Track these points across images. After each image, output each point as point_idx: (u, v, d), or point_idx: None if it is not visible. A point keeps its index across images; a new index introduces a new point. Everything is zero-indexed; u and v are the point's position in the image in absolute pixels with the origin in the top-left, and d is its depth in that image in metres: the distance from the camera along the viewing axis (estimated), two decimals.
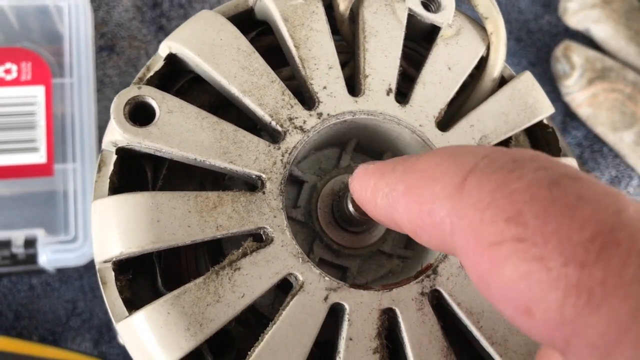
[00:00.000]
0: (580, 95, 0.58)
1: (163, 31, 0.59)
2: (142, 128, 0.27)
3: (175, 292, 0.26)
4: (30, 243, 0.48)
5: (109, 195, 0.28)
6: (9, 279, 0.52)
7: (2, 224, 0.49)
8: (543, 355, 0.19)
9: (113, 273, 0.27)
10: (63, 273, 0.53)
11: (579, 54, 0.58)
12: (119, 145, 0.28)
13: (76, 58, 0.52)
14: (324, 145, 0.33)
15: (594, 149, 0.61)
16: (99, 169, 0.29)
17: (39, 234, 0.48)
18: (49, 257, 0.48)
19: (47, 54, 0.52)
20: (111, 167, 0.28)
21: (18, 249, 0.48)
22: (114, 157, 0.28)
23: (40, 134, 0.50)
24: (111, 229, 0.27)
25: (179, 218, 0.27)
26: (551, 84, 0.61)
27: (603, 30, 0.59)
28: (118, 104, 0.27)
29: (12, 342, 0.48)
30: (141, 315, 0.26)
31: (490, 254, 0.16)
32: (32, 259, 0.48)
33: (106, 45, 0.59)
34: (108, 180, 0.28)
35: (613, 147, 0.60)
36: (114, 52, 0.58)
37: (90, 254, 0.49)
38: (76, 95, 0.51)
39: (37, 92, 0.51)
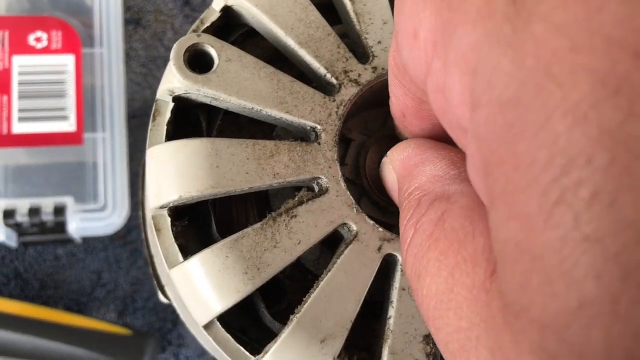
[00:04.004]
0: None
1: (189, 5, 0.59)
2: (202, 75, 0.27)
3: (233, 237, 0.26)
4: (59, 210, 0.48)
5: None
6: (34, 248, 0.52)
7: (31, 192, 0.49)
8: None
9: (169, 219, 0.27)
10: (88, 244, 0.53)
11: None
12: (176, 93, 0.28)
13: (106, 29, 0.52)
14: (369, 105, 0.33)
15: None
16: (154, 118, 0.29)
17: (68, 201, 0.48)
18: (78, 225, 0.48)
19: (77, 23, 0.52)
20: (168, 115, 0.28)
21: (47, 217, 0.48)
22: (171, 105, 0.28)
23: (70, 103, 0.50)
24: (169, 173, 0.27)
25: (238, 164, 0.27)
26: None
27: None
28: (178, 51, 0.27)
29: (39, 310, 0.48)
30: (198, 259, 0.26)
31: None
32: (60, 227, 0.48)
33: (132, 18, 0.59)
34: (165, 128, 0.28)
35: None
36: (140, 25, 0.59)
37: (118, 224, 0.49)
38: (106, 65, 0.51)
39: (67, 61, 0.51)
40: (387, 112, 0.33)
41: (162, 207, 0.27)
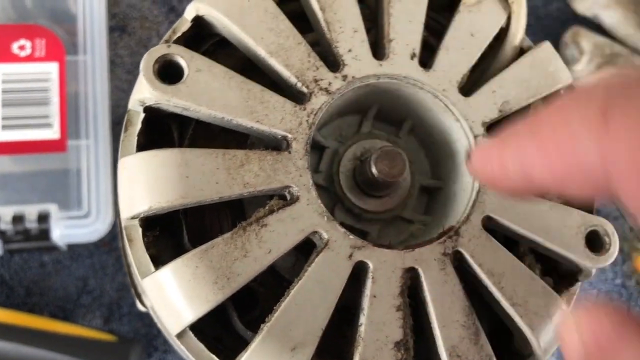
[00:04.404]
0: (588, 80, 0.59)
1: (174, 12, 0.60)
2: (171, 86, 0.27)
3: (203, 247, 0.26)
4: (43, 218, 0.48)
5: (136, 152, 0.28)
6: (20, 255, 0.52)
7: (15, 199, 0.49)
8: None
9: (140, 229, 0.27)
10: (74, 251, 0.53)
11: (587, 40, 0.58)
12: (147, 103, 0.28)
13: (90, 36, 0.52)
14: (344, 112, 0.33)
15: None
16: (126, 129, 0.29)
17: (52, 209, 0.48)
18: (62, 232, 0.48)
19: (61, 31, 0.52)
20: (139, 126, 0.28)
21: (31, 224, 0.48)
22: (142, 115, 0.28)
23: (54, 110, 0.50)
24: (140, 184, 0.27)
25: (207, 174, 0.27)
26: None
27: (612, 16, 0.60)
28: (148, 62, 0.27)
29: (24, 317, 0.48)
30: (169, 269, 0.26)
31: None
32: (44, 234, 0.48)
33: (117, 25, 0.59)
34: (135, 138, 0.28)
35: None
36: (126, 32, 0.59)
37: (102, 230, 0.49)
38: (90, 73, 0.51)
39: (51, 69, 0.51)
40: (360, 119, 0.33)
41: (133, 218, 0.27)
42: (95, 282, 0.53)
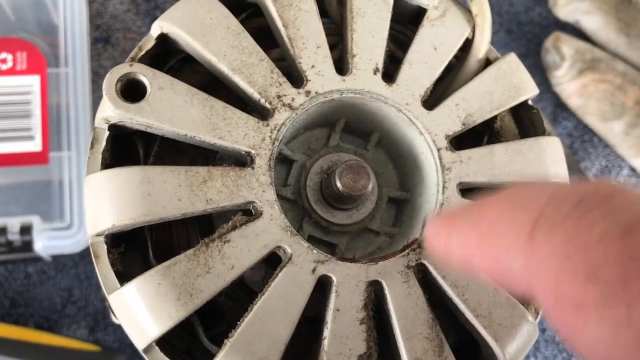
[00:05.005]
0: (570, 85, 0.59)
1: None
2: (134, 104, 0.28)
3: (165, 264, 0.27)
4: (25, 230, 0.48)
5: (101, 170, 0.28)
6: (5, 267, 0.52)
7: None
8: None
9: (105, 246, 0.28)
10: (58, 261, 0.53)
11: (569, 45, 0.59)
12: (111, 122, 0.28)
13: (71, 48, 0.52)
14: (312, 125, 0.33)
15: (585, 139, 0.62)
16: (92, 146, 0.29)
17: (35, 220, 0.49)
18: (45, 243, 0.48)
19: (42, 44, 0.53)
20: (103, 144, 0.29)
21: (14, 236, 0.48)
22: (106, 133, 0.29)
23: (36, 123, 0.50)
24: (103, 202, 0.27)
25: (170, 192, 0.27)
26: (541, 76, 0.61)
27: (593, 21, 0.60)
28: (110, 81, 0.28)
29: (8, 329, 0.48)
30: (132, 286, 0.27)
31: (573, 314, 0.16)
32: (28, 246, 0.49)
33: (101, 37, 0.59)
34: (100, 156, 0.28)
35: (603, 137, 0.60)
36: (109, 43, 0.59)
37: (85, 241, 0.49)
38: (71, 85, 0.51)
39: (33, 82, 0.51)
40: (329, 132, 0.33)
41: (98, 235, 0.28)
42: (80, 292, 0.53)
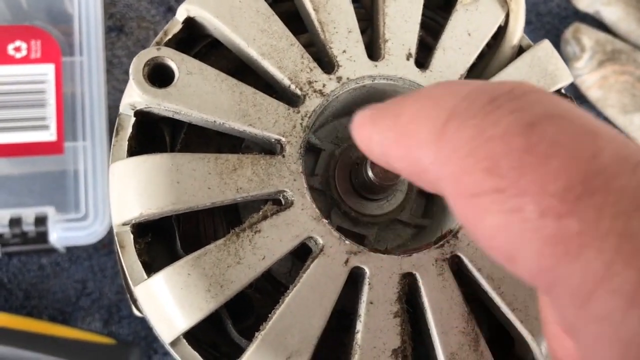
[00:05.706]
0: (590, 77, 0.58)
1: (172, 12, 0.59)
2: (162, 89, 0.27)
3: (195, 254, 0.26)
4: (40, 221, 0.48)
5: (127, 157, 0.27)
6: (18, 258, 0.52)
7: (12, 202, 0.49)
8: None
9: (132, 236, 0.27)
10: (72, 253, 0.52)
11: (589, 36, 0.58)
12: (137, 107, 0.28)
13: (86, 37, 0.51)
14: (341, 113, 0.32)
15: None
16: (117, 133, 0.28)
17: (50, 211, 0.48)
18: (60, 235, 0.48)
19: (56, 32, 0.52)
20: (129, 130, 0.28)
21: (29, 227, 0.47)
22: (132, 119, 0.28)
23: (51, 112, 0.50)
24: (130, 190, 0.26)
25: (199, 180, 0.26)
26: None
27: (613, 12, 0.59)
28: (137, 65, 0.27)
29: (23, 321, 0.48)
30: (161, 276, 0.26)
31: (471, 204, 0.16)
32: (42, 237, 0.48)
33: (115, 25, 0.58)
34: (126, 143, 0.28)
35: (623, 130, 0.59)
36: (123, 32, 0.58)
37: (100, 232, 0.49)
38: (86, 74, 0.51)
39: (47, 70, 0.50)
40: None
41: (125, 224, 0.27)
42: (94, 284, 0.53)
